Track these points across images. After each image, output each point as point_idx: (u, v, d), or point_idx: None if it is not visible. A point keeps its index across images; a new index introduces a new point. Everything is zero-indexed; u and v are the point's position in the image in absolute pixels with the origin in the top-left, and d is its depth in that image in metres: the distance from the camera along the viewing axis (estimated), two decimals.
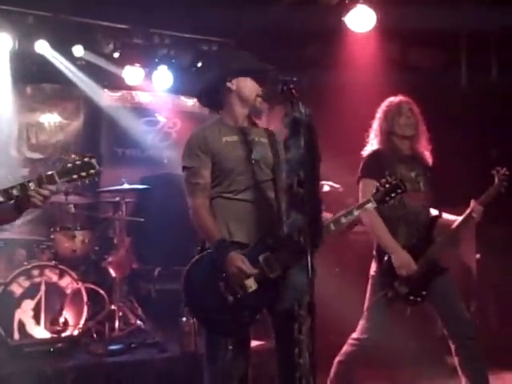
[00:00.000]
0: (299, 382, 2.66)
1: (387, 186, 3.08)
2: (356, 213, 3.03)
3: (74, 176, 2.58)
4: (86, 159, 2.59)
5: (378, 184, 3.12)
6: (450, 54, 6.20)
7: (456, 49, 6.18)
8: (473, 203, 3.65)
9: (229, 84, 2.98)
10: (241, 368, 2.84)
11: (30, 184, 2.54)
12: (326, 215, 3.00)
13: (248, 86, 2.98)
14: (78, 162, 2.58)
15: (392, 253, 3.56)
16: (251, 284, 2.77)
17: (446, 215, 3.74)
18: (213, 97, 3.09)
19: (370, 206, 3.07)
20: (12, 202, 2.59)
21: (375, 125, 3.81)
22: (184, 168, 2.97)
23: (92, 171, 2.60)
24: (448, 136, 4.89)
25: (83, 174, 2.59)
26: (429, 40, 5.78)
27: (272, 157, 2.98)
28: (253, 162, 2.92)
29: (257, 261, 2.78)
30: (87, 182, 2.62)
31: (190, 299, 2.88)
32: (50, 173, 2.56)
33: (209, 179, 2.93)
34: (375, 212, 3.44)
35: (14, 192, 2.54)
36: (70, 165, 2.58)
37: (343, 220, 2.96)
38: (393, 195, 3.08)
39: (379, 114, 3.80)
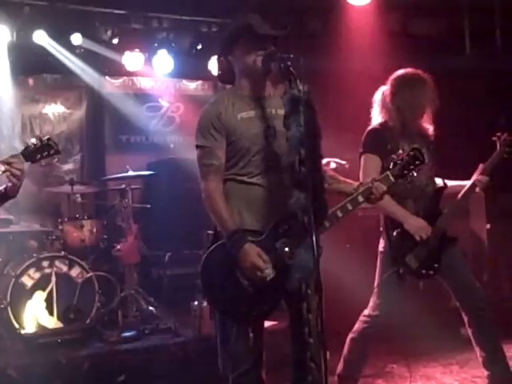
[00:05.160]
0: (310, 361, 2.65)
1: (405, 158, 2.92)
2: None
3: (38, 156, 2.92)
4: (45, 141, 2.94)
5: (393, 157, 3.01)
6: (453, 22, 6.09)
7: (458, 16, 6.06)
8: (476, 173, 3.61)
9: (227, 56, 2.84)
10: (255, 350, 2.80)
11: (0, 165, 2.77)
12: (351, 183, 2.89)
13: (244, 50, 2.76)
14: (38, 145, 2.92)
15: (404, 221, 3.51)
16: (269, 272, 2.68)
17: (450, 182, 3.69)
18: (224, 71, 2.92)
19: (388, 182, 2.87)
20: None
21: (377, 98, 3.73)
22: (197, 147, 2.81)
23: (52, 151, 2.96)
24: (454, 106, 4.81)
25: (45, 154, 2.94)
26: (430, 9, 5.67)
27: None
28: (270, 140, 2.75)
29: (273, 248, 2.69)
30: (48, 160, 2.99)
31: (208, 288, 2.80)
32: (15, 154, 2.85)
33: (223, 160, 2.78)
34: None
35: None
36: (32, 147, 2.91)
37: (360, 199, 2.81)
38: (411, 167, 2.91)
39: (385, 87, 3.69)
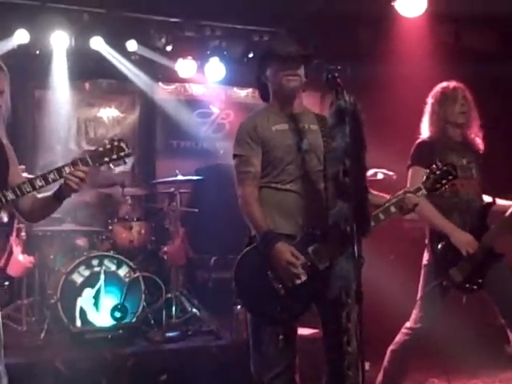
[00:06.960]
0: (348, 369, 2.67)
1: (438, 172, 2.99)
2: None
3: (106, 159, 2.68)
4: (116, 143, 2.70)
5: (426, 171, 3.04)
6: (507, 36, 5.97)
7: None
8: None
9: (262, 77, 3.01)
10: (287, 356, 2.85)
11: (65, 168, 2.62)
12: (384, 197, 2.97)
13: (273, 71, 2.94)
14: (108, 146, 2.69)
15: (450, 235, 3.48)
16: (301, 276, 2.76)
17: (500, 201, 3.64)
18: (261, 90, 3.10)
19: (420, 193, 2.99)
20: (51, 193, 2.72)
21: (428, 110, 3.73)
22: (234, 156, 2.96)
23: (122, 154, 2.70)
24: (504, 123, 4.74)
25: (114, 156, 2.69)
26: (484, 22, 5.58)
27: (323, 145, 2.92)
28: (303, 151, 2.90)
29: (305, 253, 2.78)
30: (119, 163, 2.75)
31: (241, 290, 2.88)
32: (83, 156, 2.66)
33: (259, 168, 2.92)
34: (425, 199, 3.37)
35: (51, 176, 2.62)
36: (101, 148, 2.68)
37: (393, 209, 2.91)
38: (444, 182, 2.99)
39: (432, 99, 3.71)
